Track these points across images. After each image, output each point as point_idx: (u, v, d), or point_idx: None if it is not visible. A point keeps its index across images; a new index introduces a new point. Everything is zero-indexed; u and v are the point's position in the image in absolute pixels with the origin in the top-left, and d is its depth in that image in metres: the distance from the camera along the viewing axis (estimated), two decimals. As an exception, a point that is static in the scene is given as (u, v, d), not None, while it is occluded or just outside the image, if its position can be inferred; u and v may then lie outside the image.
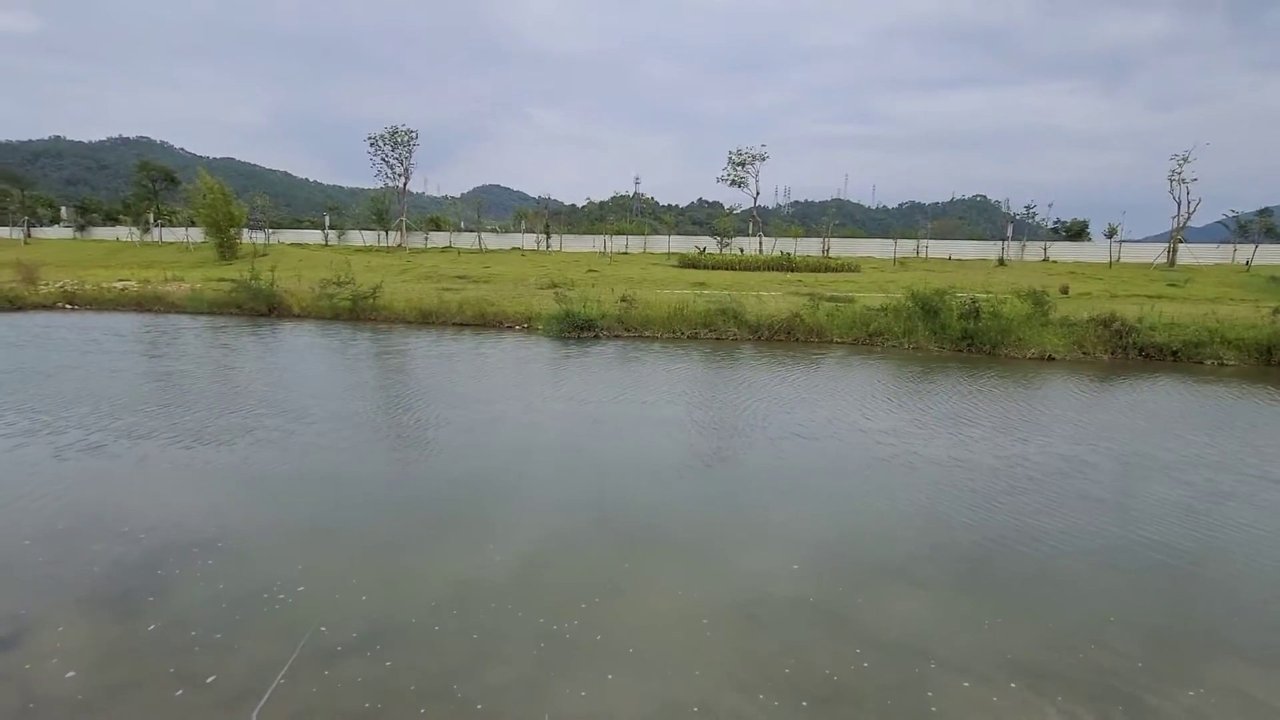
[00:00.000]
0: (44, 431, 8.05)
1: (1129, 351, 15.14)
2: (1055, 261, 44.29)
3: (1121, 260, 42.74)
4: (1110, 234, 47.70)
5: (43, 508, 5.95)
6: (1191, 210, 42.16)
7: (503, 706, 3.56)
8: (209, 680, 3.71)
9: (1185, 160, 41.37)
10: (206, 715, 3.47)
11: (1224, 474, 7.39)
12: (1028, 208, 64.65)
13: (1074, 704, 3.66)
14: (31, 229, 62.56)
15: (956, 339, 15.74)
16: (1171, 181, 41.97)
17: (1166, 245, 42.33)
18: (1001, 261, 43.49)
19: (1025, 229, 60.51)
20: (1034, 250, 48.83)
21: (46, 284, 22.52)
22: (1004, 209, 61.75)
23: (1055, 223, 59.33)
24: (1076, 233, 55.49)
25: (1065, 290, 24.54)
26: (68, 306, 20.48)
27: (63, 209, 74.69)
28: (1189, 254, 41.94)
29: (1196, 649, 4.22)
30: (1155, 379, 13.07)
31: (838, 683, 3.78)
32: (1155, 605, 4.71)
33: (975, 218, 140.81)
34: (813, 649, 4.10)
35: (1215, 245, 46.02)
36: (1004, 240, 49.53)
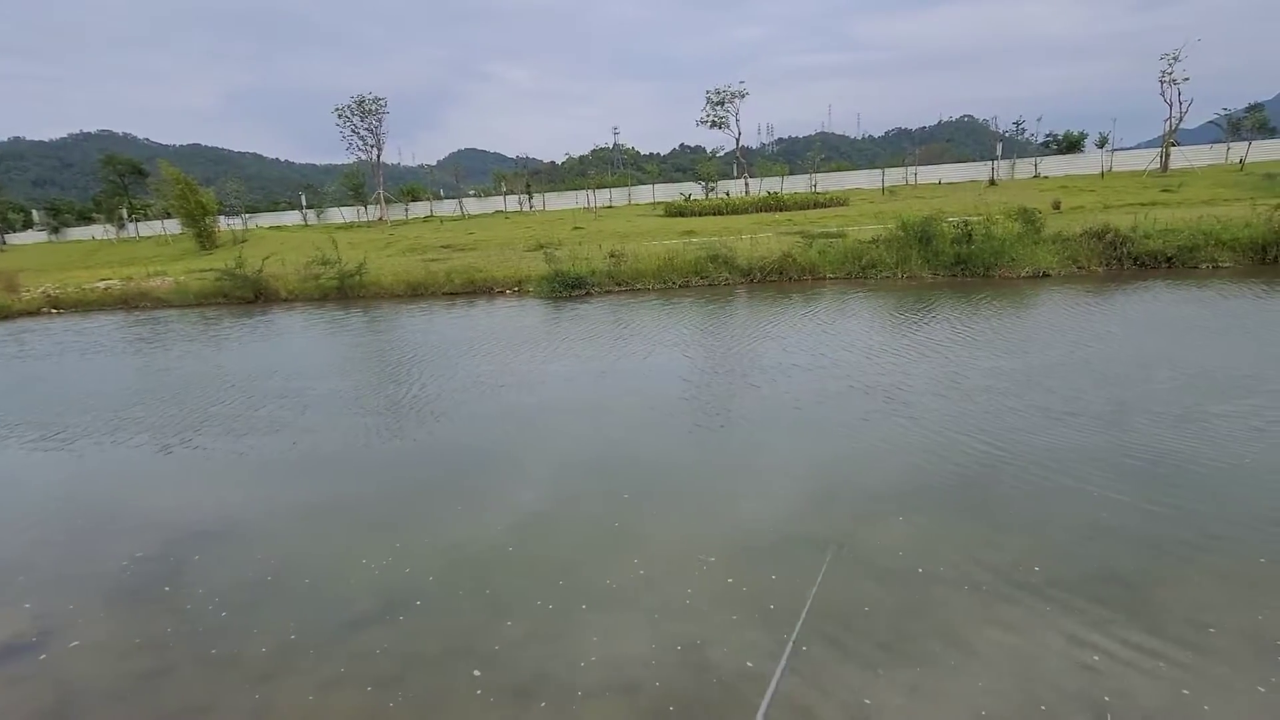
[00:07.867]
0: (51, 436, 8.06)
1: (1124, 262, 15.08)
2: (1046, 177, 43.59)
3: (1114, 170, 42.05)
4: (1101, 144, 46.80)
5: (57, 508, 6.01)
6: (1184, 112, 41.26)
7: (522, 655, 3.67)
8: (232, 659, 3.80)
9: (1175, 59, 40.24)
10: (235, 692, 3.56)
11: (1211, 372, 7.43)
12: (1016, 124, 63.31)
13: (1076, 606, 3.76)
14: (5, 236, 61.41)
15: (950, 264, 15.62)
16: (1162, 84, 40.93)
17: (1159, 151, 41.58)
18: (992, 182, 42.80)
19: (1015, 147, 59.35)
20: (1024, 168, 48.00)
21: (28, 290, 22.19)
22: (992, 127, 60.38)
23: (1048, 136, 58.06)
24: (1071, 145, 54.39)
25: (1057, 206, 24.22)
26: (53, 311, 20.23)
27: (34, 212, 72.93)
28: (1182, 157, 41.21)
29: (1191, 547, 4.31)
30: (1148, 287, 13.04)
31: (846, 610, 3.88)
32: (1148, 509, 4.79)
33: (964, 140, 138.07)
34: (818, 580, 4.18)
35: (1209, 146, 45.18)
36: (994, 160, 48.63)
